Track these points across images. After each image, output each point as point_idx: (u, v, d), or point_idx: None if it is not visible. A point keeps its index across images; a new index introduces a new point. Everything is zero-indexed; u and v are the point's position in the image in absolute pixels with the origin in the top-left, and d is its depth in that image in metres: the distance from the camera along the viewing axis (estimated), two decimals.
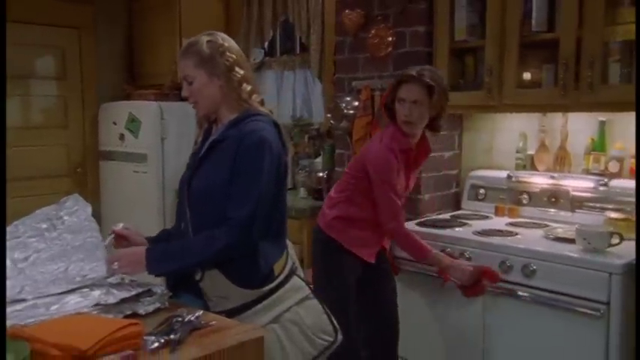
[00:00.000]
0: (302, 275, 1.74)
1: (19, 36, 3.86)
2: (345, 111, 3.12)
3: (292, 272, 1.69)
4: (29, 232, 1.56)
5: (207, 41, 1.65)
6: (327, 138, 3.59)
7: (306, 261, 3.26)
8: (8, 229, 1.56)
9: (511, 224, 2.58)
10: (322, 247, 2.41)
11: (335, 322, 1.72)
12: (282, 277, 1.64)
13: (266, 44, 4.04)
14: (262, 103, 1.71)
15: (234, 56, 1.66)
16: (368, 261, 2.32)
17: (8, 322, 1.23)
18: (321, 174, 3.45)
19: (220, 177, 1.58)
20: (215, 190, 1.59)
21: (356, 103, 3.05)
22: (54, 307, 1.34)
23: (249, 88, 1.67)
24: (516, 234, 2.41)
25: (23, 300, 1.34)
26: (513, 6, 2.46)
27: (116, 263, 1.54)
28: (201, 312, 1.40)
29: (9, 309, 1.30)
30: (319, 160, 3.54)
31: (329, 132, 3.50)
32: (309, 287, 1.72)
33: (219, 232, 1.54)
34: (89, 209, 1.67)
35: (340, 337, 1.71)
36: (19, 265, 1.47)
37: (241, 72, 1.66)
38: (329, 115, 3.38)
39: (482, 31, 2.60)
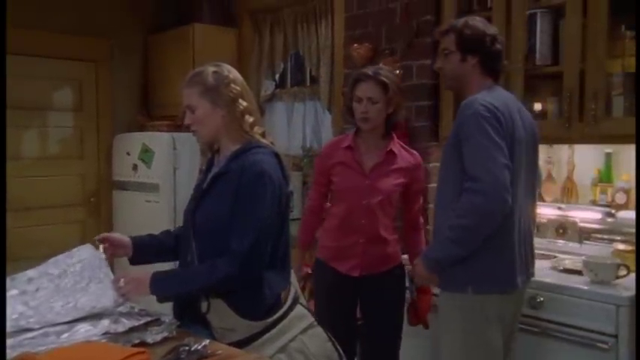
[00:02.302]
0: (304, 303, 1.76)
1: (38, 69, 4.00)
2: None
3: (296, 300, 1.71)
4: (42, 277, 1.59)
5: (213, 72, 1.69)
6: None
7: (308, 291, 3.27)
8: (18, 275, 1.59)
9: None
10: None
11: (339, 348, 1.73)
12: (286, 306, 1.66)
13: (277, 76, 4.13)
14: (264, 134, 1.74)
15: (238, 88, 1.70)
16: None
17: (20, 350, 1.27)
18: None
19: (223, 209, 1.61)
20: (219, 223, 1.62)
21: None
22: (64, 336, 1.38)
23: (251, 119, 1.71)
24: None
25: (32, 329, 1.37)
26: (517, 40, 2.51)
27: (122, 280, 1.58)
28: (208, 341, 1.42)
29: (20, 337, 1.34)
30: None
31: None
32: (313, 315, 1.74)
33: (220, 262, 1.58)
34: (103, 256, 1.70)
35: None
36: (30, 304, 1.50)
37: (244, 104, 1.70)
38: None
39: None
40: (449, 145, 1.93)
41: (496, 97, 1.90)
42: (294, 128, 4.04)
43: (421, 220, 2.50)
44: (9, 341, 1.31)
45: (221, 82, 1.68)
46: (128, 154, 4.03)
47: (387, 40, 3.06)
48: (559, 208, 2.65)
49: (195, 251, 1.67)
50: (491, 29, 1.98)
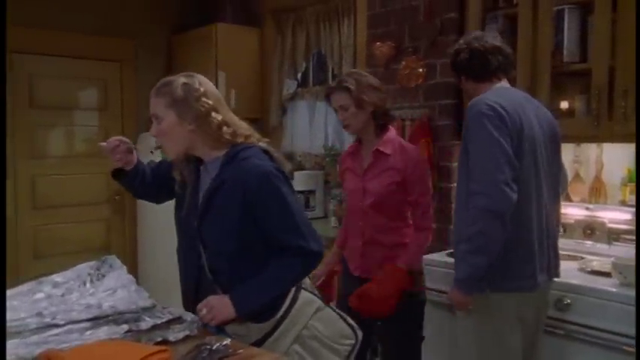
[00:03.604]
0: (309, 286, 1.75)
1: (65, 69, 4.07)
2: None
3: (299, 288, 1.69)
4: (69, 282, 1.61)
5: (183, 83, 1.63)
6: None
7: (336, 291, 3.25)
8: (45, 279, 1.61)
9: None
10: None
11: (351, 321, 1.73)
12: (290, 296, 1.65)
13: (299, 75, 4.13)
14: (248, 137, 1.68)
15: (210, 102, 1.62)
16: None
17: (45, 346, 1.29)
18: None
19: (232, 221, 1.61)
20: (231, 234, 1.61)
21: None
22: (88, 333, 1.39)
23: (230, 130, 1.65)
24: None
25: (57, 325, 1.39)
26: (544, 37, 2.47)
27: (204, 309, 1.56)
28: (229, 340, 1.42)
29: (45, 333, 1.35)
30: None
31: None
32: (318, 297, 1.73)
33: (294, 260, 1.62)
34: (124, 270, 1.71)
35: (360, 333, 1.73)
36: (54, 302, 1.52)
37: (219, 117, 1.63)
38: None
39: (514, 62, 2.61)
40: (461, 145, 1.94)
41: (503, 95, 1.89)
42: (316, 127, 4.03)
43: (425, 220, 2.36)
44: (34, 337, 1.33)
45: (190, 96, 1.61)
46: (152, 152, 4.04)
47: (410, 39, 3.03)
48: (587, 209, 2.59)
49: (206, 261, 1.66)
50: (461, 40, 2.06)
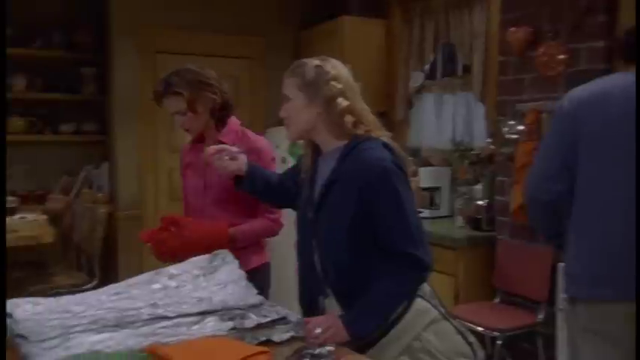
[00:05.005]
0: (426, 294, 1.60)
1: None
2: (508, 135, 2.90)
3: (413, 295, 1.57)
4: (183, 275, 1.64)
5: (316, 65, 1.60)
6: (488, 164, 3.37)
7: (463, 295, 3.07)
8: (162, 270, 1.64)
9: None
10: None
11: (472, 338, 1.58)
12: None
13: (426, 67, 3.96)
14: (368, 130, 1.60)
15: (339, 86, 1.57)
16: None
17: (153, 338, 1.31)
18: (480, 202, 3.23)
19: (345, 219, 1.54)
20: (342, 232, 1.55)
21: (520, 128, 2.82)
22: (195, 327, 1.39)
23: (352, 119, 1.58)
24: None
25: (167, 317, 1.41)
26: None
27: (318, 329, 1.48)
28: (333, 347, 1.34)
29: (155, 325, 1.37)
30: (479, 187, 3.32)
31: (490, 158, 3.28)
32: (437, 307, 1.58)
33: (403, 275, 1.54)
34: (236, 264, 1.70)
35: (481, 353, 1.57)
36: (169, 293, 1.55)
37: (345, 103, 1.57)
38: (489, 140, 3.18)
39: None
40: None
41: (596, 85, 1.76)
42: (444, 121, 3.84)
43: (275, 212, 2.10)
44: (144, 329, 1.35)
45: (320, 78, 1.57)
46: (277, 147, 4.13)
47: (550, 21, 2.74)
48: None
49: (318, 258, 1.62)
50: None
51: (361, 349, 1.45)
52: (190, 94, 2.00)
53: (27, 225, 3.12)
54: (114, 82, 4.11)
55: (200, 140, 2.15)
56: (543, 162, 1.85)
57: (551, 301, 2.71)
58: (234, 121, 2.15)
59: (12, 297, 1.43)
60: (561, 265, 2.27)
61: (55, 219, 3.69)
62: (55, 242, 3.12)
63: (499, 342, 2.77)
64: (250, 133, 2.15)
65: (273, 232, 2.12)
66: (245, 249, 2.01)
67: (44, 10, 4.23)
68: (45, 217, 3.47)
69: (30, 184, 4.27)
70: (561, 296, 1.89)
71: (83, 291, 1.58)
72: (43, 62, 4.21)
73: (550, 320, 2.69)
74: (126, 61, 4.08)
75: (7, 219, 2.90)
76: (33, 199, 4.07)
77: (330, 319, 1.51)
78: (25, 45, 4.12)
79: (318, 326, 1.46)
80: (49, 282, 3.38)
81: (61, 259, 3.92)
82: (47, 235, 2.95)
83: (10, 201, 2.94)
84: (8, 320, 1.36)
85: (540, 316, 2.81)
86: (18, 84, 4.13)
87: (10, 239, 2.84)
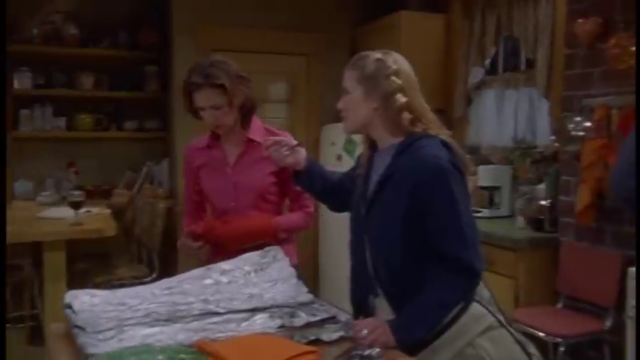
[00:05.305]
0: (484, 299, 1.53)
1: (256, 65, 4.30)
2: (574, 133, 2.76)
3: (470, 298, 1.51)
4: (235, 270, 1.65)
5: (377, 59, 1.56)
6: (552, 162, 3.22)
7: (523, 298, 2.95)
8: (213, 266, 1.65)
9: None
10: None
11: (532, 349, 1.50)
12: (459, 304, 1.48)
13: (487, 62, 3.83)
14: (426, 127, 1.55)
15: (399, 81, 1.53)
16: None
17: (202, 334, 1.32)
18: (543, 202, 3.09)
19: (397, 217, 1.50)
20: (393, 230, 1.51)
21: (587, 124, 2.68)
22: (244, 324, 1.39)
23: (410, 116, 1.53)
24: None
25: (217, 313, 1.41)
26: None
27: (365, 330, 1.45)
28: (382, 349, 1.31)
29: (206, 320, 1.38)
30: (542, 186, 3.18)
31: (554, 156, 3.14)
32: (495, 314, 1.51)
33: (454, 277, 1.47)
34: (287, 261, 1.70)
35: None
36: (221, 289, 1.56)
37: (403, 99, 1.52)
38: (553, 137, 3.03)
39: None
40: None
41: None
42: (505, 118, 3.70)
43: (309, 205, 2.12)
44: (194, 324, 1.36)
45: (380, 73, 1.54)
46: (333, 144, 4.12)
47: (622, 11, 2.58)
48: None
49: (370, 257, 1.59)
50: None
51: (412, 352, 1.41)
52: (231, 86, 1.93)
53: (91, 218, 3.24)
54: (174, 79, 4.21)
55: (216, 139, 2.07)
56: (622, 157, 1.84)
57: (619, 307, 2.56)
58: (256, 119, 2.10)
59: (77, 287, 1.48)
60: (631, 269, 2.14)
61: (118, 213, 3.83)
62: (118, 236, 3.22)
63: (562, 349, 2.64)
64: (275, 130, 2.11)
65: (308, 225, 2.15)
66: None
67: (111, 11, 4.39)
68: (109, 211, 3.60)
69: (97, 179, 4.45)
70: (631, 303, 1.76)
71: (144, 283, 1.62)
72: (109, 61, 4.37)
73: (618, 328, 2.55)
74: (186, 59, 4.16)
75: (72, 212, 3.03)
76: (99, 194, 4.24)
77: (379, 322, 1.48)
78: (94, 45, 4.29)
79: (365, 327, 1.43)
80: (112, 274, 3.51)
81: (124, 252, 4.07)
82: (110, 228, 3.05)
83: (77, 195, 3.05)
84: (67, 311, 1.40)
85: (608, 323, 2.67)
86: (86, 82, 4.31)
87: (76, 232, 2.96)
